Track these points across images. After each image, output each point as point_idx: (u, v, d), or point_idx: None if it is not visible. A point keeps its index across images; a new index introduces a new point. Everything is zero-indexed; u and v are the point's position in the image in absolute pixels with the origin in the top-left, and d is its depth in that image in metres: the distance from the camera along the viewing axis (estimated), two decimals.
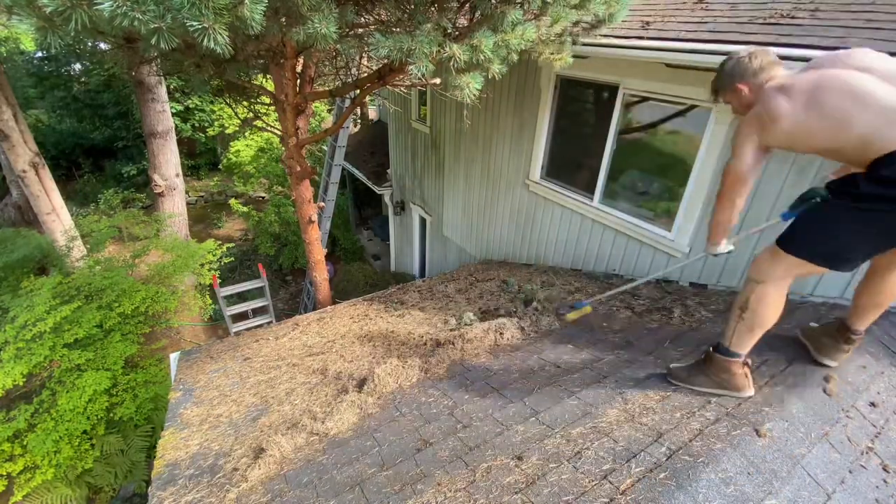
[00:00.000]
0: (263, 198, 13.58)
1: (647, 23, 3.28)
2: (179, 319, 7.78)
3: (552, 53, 2.70)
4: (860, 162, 1.55)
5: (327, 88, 3.93)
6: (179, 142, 10.18)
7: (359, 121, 12.85)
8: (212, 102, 13.84)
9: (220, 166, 13.95)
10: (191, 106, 13.78)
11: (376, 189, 9.19)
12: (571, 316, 3.10)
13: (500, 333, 3.03)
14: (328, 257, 4.53)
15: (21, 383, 4.28)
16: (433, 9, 2.19)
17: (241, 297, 6.55)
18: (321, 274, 4.33)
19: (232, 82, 3.32)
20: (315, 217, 3.92)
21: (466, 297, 4.15)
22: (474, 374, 2.59)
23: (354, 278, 9.52)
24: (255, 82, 3.50)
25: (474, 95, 2.13)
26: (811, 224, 1.78)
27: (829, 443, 1.68)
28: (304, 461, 2.11)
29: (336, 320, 3.97)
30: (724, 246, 2.02)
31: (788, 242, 1.80)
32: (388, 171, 9.08)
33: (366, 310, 4.16)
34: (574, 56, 2.80)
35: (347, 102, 6.46)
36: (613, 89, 3.70)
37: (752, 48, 1.86)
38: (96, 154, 13.91)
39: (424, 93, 6.91)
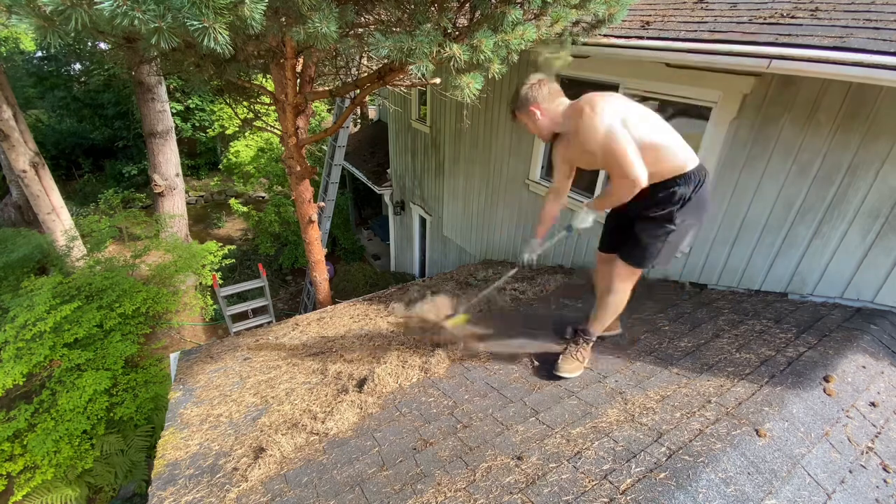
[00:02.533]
0: (263, 198, 13.58)
1: (647, 23, 3.28)
2: (180, 319, 7.78)
3: (552, 53, 2.70)
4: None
5: (327, 88, 3.92)
6: (179, 142, 10.19)
7: (359, 120, 12.86)
8: (212, 102, 13.84)
9: (220, 166, 13.94)
10: (191, 106, 13.78)
11: (376, 189, 9.19)
12: (452, 322, 2.99)
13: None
14: (328, 257, 4.53)
15: (21, 383, 4.29)
16: (433, 8, 2.18)
17: (241, 297, 6.56)
18: (321, 274, 4.33)
19: (232, 82, 3.32)
20: (315, 217, 3.92)
21: (466, 296, 4.14)
22: (474, 374, 2.59)
23: (354, 278, 9.52)
24: (255, 82, 3.50)
25: (474, 95, 2.13)
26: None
27: (829, 443, 1.68)
28: (304, 461, 2.11)
29: (336, 320, 3.96)
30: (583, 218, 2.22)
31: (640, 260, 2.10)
32: (388, 170, 9.08)
33: (366, 310, 4.16)
34: (574, 56, 2.80)
35: (347, 102, 6.46)
36: (614, 89, 3.70)
37: (540, 76, 2.04)
38: (96, 154, 13.90)
39: (424, 93, 6.91)
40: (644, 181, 1.81)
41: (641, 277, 2.20)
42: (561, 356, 2.34)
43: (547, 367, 2.41)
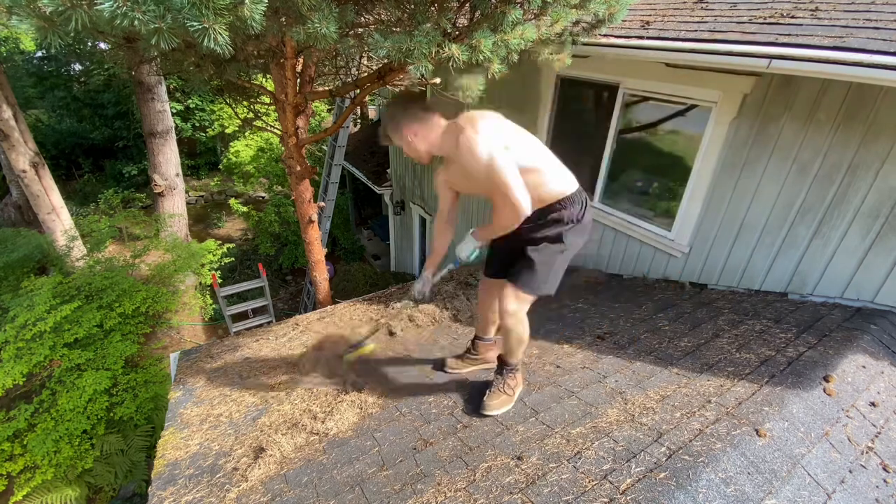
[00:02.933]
0: (263, 198, 13.59)
1: (647, 22, 3.28)
2: (180, 319, 7.78)
3: (552, 53, 2.70)
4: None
5: (327, 88, 3.92)
6: (179, 141, 10.18)
7: (359, 120, 12.87)
8: (212, 102, 13.84)
9: (220, 166, 13.95)
10: (191, 105, 13.78)
11: (376, 189, 9.19)
12: (351, 357, 2.79)
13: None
14: (328, 257, 4.53)
15: (21, 383, 4.29)
16: (433, 8, 2.18)
17: (241, 296, 6.56)
18: (321, 274, 4.33)
19: (232, 82, 3.32)
20: (315, 217, 3.92)
21: (466, 296, 4.15)
22: (474, 374, 2.59)
23: (354, 278, 9.52)
24: (255, 82, 3.50)
25: (474, 95, 2.13)
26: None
27: (829, 442, 1.68)
28: (304, 461, 2.11)
29: (336, 320, 3.96)
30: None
31: (531, 287, 1.97)
32: (388, 170, 9.08)
33: (366, 309, 4.16)
34: (574, 56, 2.80)
35: (347, 102, 6.46)
36: (613, 89, 3.70)
37: (411, 96, 1.98)
38: (96, 154, 13.90)
39: (424, 92, 6.90)
40: (528, 208, 1.74)
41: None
42: (488, 392, 2.19)
43: (472, 405, 2.25)
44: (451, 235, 2.24)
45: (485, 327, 2.49)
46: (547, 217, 1.90)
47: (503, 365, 2.21)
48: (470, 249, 2.07)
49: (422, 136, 1.89)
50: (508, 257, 2.05)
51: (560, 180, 1.88)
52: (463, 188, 2.08)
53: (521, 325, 2.02)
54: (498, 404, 2.14)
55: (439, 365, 2.63)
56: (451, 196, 2.13)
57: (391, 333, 3.27)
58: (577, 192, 1.90)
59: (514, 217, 1.76)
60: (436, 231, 2.24)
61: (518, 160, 1.75)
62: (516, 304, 1.97)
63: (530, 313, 2.03)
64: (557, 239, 1.90)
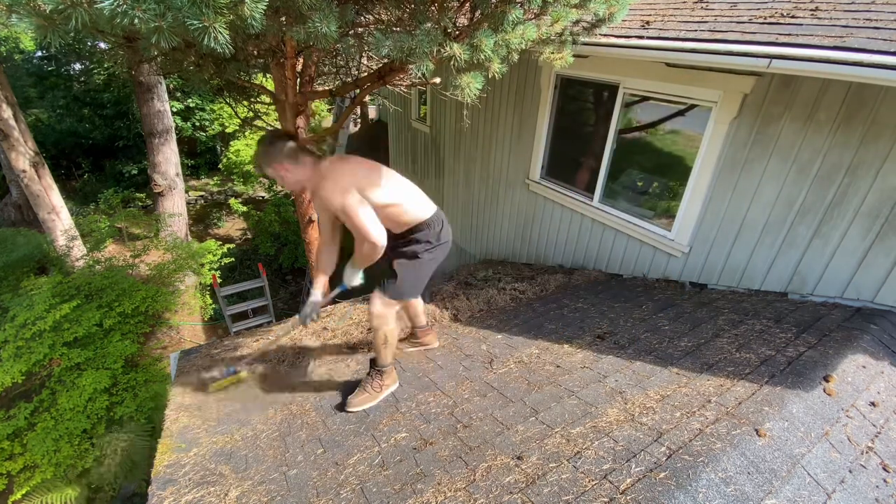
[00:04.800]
0: (263, 197, 13.58)
1: (648, 22, 3.28)
2: (179, 319, 7.78)
3: (552, 53, 2.70)
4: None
5: (327, 88, 3.92)
6: (179, 141, 10.18)
7: (359, 120, 12.86)
8: (212, 102, 13.84)
9: (220, 166, 13.94)
10: (191, 105, 13.77)
11: None
12: (216, 386, 2.81)
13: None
14: None
15: (20, 381, 4.29)
16: (433, 8, 2.18)
17: (241, 296, 6.56)
18: None
19: (232, 81, 3.32)
20: (315, 217, 3.92)
21: (466, 296, 4.15)
22: (475, 373, 2.59)
23: None
24: (255, 82, 3.50)
25: (474, 95, 2.13)
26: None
27: (829, 442, 1.68)
28: (304, 459, 2.11)
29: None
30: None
31: (396, 292, 2.27)
32: None
33: (365, 309, 4.16)
34: (574, 55, 2.80)
35: (347, 102, 6.46)
36: (613, 89, 3.70)
37: (279, 134, 2.21)
38: (96, 153, 13.88)
39: (424, 92, 6.90)
40: (382, 241, 2.00)
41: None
42: (352, 396, 2.39)
43: (342, 401, 2.44)
44: (335, 256, 2.46)
45: (413, 319, 2.88)
46: (407, 237, 2.22)
47: (372, 365, 2.44)
48: (354, 276, 2.27)
49: (292, 172, 2.10)
50: (378, 270, 2.32)
51: (417, 208, 2.19)
52: (321, 218, 2.36)
53: (386, 326, 2.28)
54: (360, 401, 2.38)
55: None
56: (326, 221, 2.35)
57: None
58: (432, 217, 2.22)
59: (373, 250, 2.04)
60: (321, 254, 2.45)
61: (375, 199, 2.04)
62: (382, 308, 2.26)
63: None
64: (415, 255, 2.21)
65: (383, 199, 2.07)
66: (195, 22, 1.33)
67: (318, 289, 2.42)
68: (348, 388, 2.56)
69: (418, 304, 2.79)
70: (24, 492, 4.19)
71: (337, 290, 2.36)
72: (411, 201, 2.18)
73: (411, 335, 3.00)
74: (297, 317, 2.41)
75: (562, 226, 4.60)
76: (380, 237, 1.99)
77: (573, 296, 3.73)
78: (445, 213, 2.48)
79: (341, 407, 2.42)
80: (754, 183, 2.97)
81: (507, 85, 4.84)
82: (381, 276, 2.29)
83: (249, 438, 2.40)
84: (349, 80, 4.05)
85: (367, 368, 2.55)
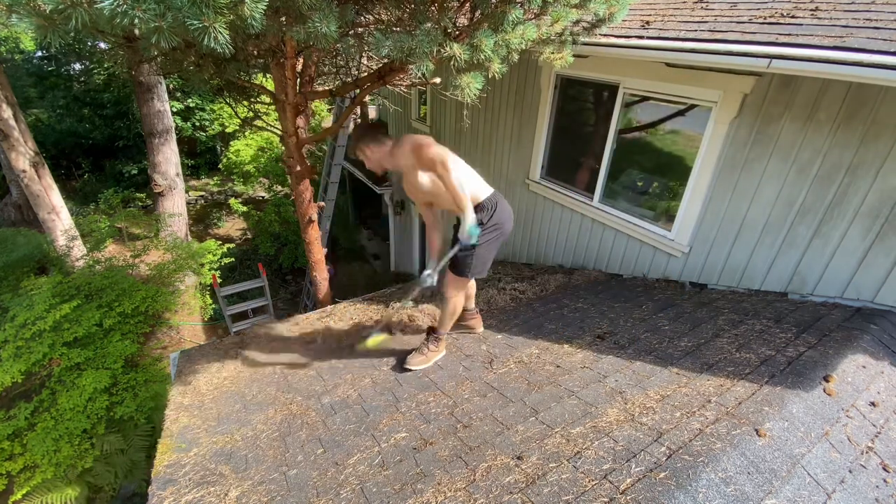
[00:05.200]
0: (263, 197, 13.59)
1: (648, 22, 3.28)
2: (179, 319, 7.78)
3: (552, 53, 2.70)
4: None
5: (327, 88, 3.92)
6: (179, 141, 10.18)
7: (359, 120, 12.83)
8: (212, 102, 13.84)
9: (220, 165, 13.95)
10: (191, 105, 13.77)
11: (376, 189, 9.19)
12: (367, 345, 3.07)
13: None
14: (328, 257, 4.53)
15: (20, 381, 4.28)
16: (433, 8, 2.18)
17: (241, 296, 6.56)
18: (321, 274, 4.32)
19: (232, 81, 3.32)
20: (315, 217, 3.92)
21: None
22: (475, 373, 2.59)
23: (354, 278, 9.52)
24: (255, 82, 3.50)
25: (474, 95, 2.13)
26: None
27: (829, 442, 1.68)
28: (304, 459, 2.11)
29: (336, 319, 3.96)
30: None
31: (465, 271, 2.59)
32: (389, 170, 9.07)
33: (365, 309, 4.16)
34: (574, 55, 2.80)
35: (347, 102, 6.46)
36: (613, 89, 3.70)
37: (365, 124, 2.58)
38: (96, 153, 13.89)
39: (424, 92, 6.90)
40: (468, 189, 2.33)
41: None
42: (412, 353, 2.80)
43: (399, 363, 2.83)
44: (441, 233, 2.82)
45: (465, 301, 3.05)
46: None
47: (432, 332, 2.85)
48: (468, 233, 2.34)
49: (375, 152, 2.50)
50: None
51: (476, 188, 2.45)
52: (419, 197, 2.67)
53: (456, 299, 2.70)
54: (417, 362, 2.76)
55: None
56: (426, 208, 2.76)
57: (391, 333, 3.35)
58: (486, 199, 2.45)
59: (451, 176, 2.26)
60: (429, 236, 2.87)
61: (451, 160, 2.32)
62: (453, 283, 2.65)
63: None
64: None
65: (452, 162, 2.32)
66: (195, 22, 1.33)
67: (434, 259, 2.73)
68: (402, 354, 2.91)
69: (471, 287, 3.03)
70: (24, 492, 4.19)
71: (455, 249, 2.51)
72: (472, 179, 2.46)
73: (459, 317, 3.05)
74: (417, 281, 2.72)
75: (562, 226, 4.60)
76: (454, 167, 2.30)
77: (573, 296, 3.73)
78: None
79: (400, 367, 2.80)
80: (754, 183, 2.97)
81: (507, 85, 4.84)
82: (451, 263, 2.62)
83: (249, 438, 2.41)
84: (349, 80, 4.05)
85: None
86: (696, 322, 2.78)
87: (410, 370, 2.73)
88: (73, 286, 5.32)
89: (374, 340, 3.07)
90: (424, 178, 2.46)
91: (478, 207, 2.41)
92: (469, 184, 2.40)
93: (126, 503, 4.97)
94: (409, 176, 2.51)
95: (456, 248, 2.50)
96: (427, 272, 2.59)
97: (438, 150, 2.27)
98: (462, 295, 2.77)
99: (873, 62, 2.01)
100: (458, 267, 2.59)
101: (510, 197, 5.26)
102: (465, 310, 3.08)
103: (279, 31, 1.81)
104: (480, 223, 2.41)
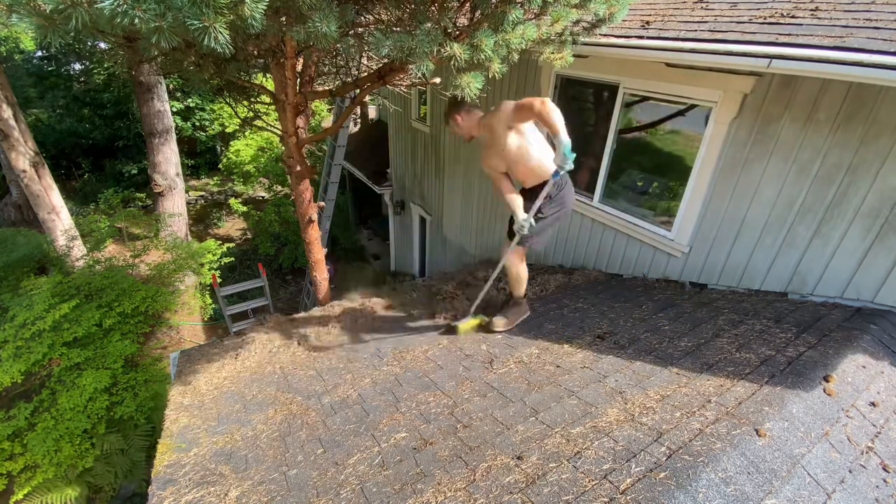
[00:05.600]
0: (263, 197, 13.59)
1: (648, 22, 3.28)
2: (179, 319, 7.78)
3: (552, 53, 2.70)
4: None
5: (327, 88, 3.92)
6: (179, 141, 10.18)
7: (359, 120, 12.85)
8: (212, 101, 13.84)
9: (220, 165, 13.95)
10: (191, 105, 13.77)
11: (376, 189, 9.20)
12: (466, 326, 3.22)
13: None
14: (328, 257, 4.53)
15: (20, 381, 4.29)
16: (433, 8, 2.18)
17: (241, 296, 6.55)
18: (321, 273, 4.33)
19: (232, 81, 3.32)
20: (315, 216, 3.92)
21: (466, 296, 4.14)
22: (475, 373, 2.59)
23: (354, 278, 9.53)
24: (255, 82, 3.50)
25: (475, 95, 2.13)
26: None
27: (829, 442, 1.68)
28: (304, 459, 2.11)
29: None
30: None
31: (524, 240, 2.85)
32: (388, 170, 9.08)
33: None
34: (574, 55, 2.80)
35: (347, 102, 6.46)
36: (613, 89, 3.70)
37: (456, 97, 2.59)
38: (96, 153, 13.89)
39: (424, 92, 6.90)
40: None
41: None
42: (496, 317, 3.14)
43: (486, 326, 3.19)
44: (516, 193, 2.88)
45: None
46: (536, 192, 2.72)
47: (510, 298, 3.22)
48: (566, 150, 2.41)
49: (466, 120, 2.85)
50: (510, 224, 2.97)
51: (547, 160, 2.69)
52: (495, 165, 2.86)
53: (516, 267, 3.01)
54: (502, 325, 3.13)
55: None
56: (501, 175, 2.91)
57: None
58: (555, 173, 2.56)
59: (544, 105, 2.43)
60: (509, 197, 2.88)
61: (526, 128, 2.69)
62: (513, 253, 2.93)
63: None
64: (539, 210, 2.71)
65: (530, 130, 2.71)
66: (195, 22, 1.33)
67: (524, 212, 2.78)
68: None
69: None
70: (25, 492, 4.19)
71: (553, 179, 2.60)
72: (544, 151, 2.71)
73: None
74: (517, 228, 2.78)
75: (562, 226, 4.60)
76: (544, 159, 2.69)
77: (573, 296, 3.73)
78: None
79: (487, 329, 3.16)
80: (754, 183, 2.97)
81: (508, 85, 4.84)
82: (511, 229, 2.92)
83: (249, 438, 2.41)
84: (349, 80, 4.05)
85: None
86: (696, 322, 2.78)
87: (496, 331, 3.12)
88: (73, 286, 5.32)
89: (467, 325, 3.24)
90: (513, 141, 2.67)
91: (547, 182, 2.62)
92: (547, 158, 2.68)
93: (126, 503, 4.97)
94: (499, 140, 2.70)
95: (553, 179, 2.59)
96: (523, 217, 2.71)
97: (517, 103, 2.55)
98: (523, 264, 3.07)
99: (873, 62, 2.01)
100: (515, 234, 2.87)
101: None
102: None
103: (279, 31, 1.81)
104: (549, 196, 2.67)
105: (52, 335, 4.56)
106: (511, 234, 2.90)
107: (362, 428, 2.27)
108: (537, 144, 2.70)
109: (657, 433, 1.75)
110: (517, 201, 2.81)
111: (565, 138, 2.38)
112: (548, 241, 2.89)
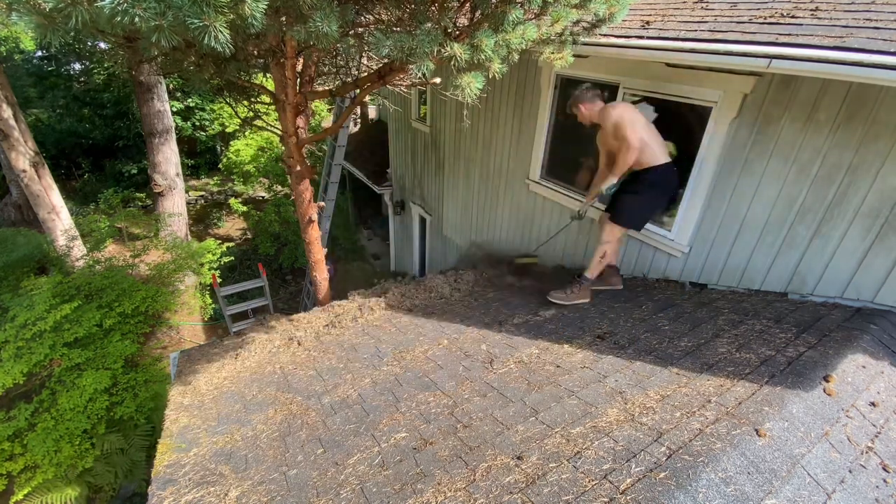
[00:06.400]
0: (263, 197, 13.59)
1: (648, 22, 3.28)
2: (179, 319, 7.78)
3: (552, 53, 2.70)
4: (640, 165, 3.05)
5: (327, 88, 3.92)
6: (179, 141, 10.18)
7: (359, 120, 12.85)
8: (212, 101, 13.83)
9: (220, 165, 13.95)
10: (191, 105, 13.77)
11: (376, 189, 9.20)
12: (520, 260, 4.10)
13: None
14: (328, 257, 4.54)
15: (21, 382, 4.28)
16: (434, 8, 2.18)
17: (241, 296, 6.55)
18: (321, 273, 4.32)
19: (232, 81, 3.32)
20: (315, 216, 3.92)
21: (466, 299, 4.14)
22: (475, 373, 2.59)
23: (354, 278, 9.52)
24: (255, 81, 3.50)
25: (475, 95, 2.13)
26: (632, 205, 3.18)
27: (829, 442, 1.68)
28: (304, 459, 2.11)
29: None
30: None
31: (618, 219, 3.21)
32: (388, 170, 9.08)
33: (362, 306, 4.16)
34: (574, 55, 2.80)
35: (347, 102, 6.46)
36: (613, 88, 3.70)
37: (585, 86, 3.23)
38: (96, 153, 13.89)
39: (424, 92, 6.90)
40: (637, 150, 2.93)
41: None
42: (555, 291, 3.39)
43: (543, 297, 3.47)
44: (606, 179, 3.18)
45: (610, 257, 3.47)
46: (640, 176, 3.07)
47: (580, 275, 3.36)
48: (611, 184, 3.09)
49: (587, 109, 3.18)
50: (612, 200, 3.30)
51: (654, 155, 2.99)
52: (607, 146, 3.20)
53: (607, 245, 3.24)
54: (557, 297, 3.35)
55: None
56: (605, 155, 3.27)
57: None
58: (663, 165, 3.00)
59: (629, 154, 2.92)
60: (599, 175, 3.36)
61: (637, 129, 2.95)
62: (609, 230, 3.21)
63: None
64: (637, 192, 3.09)
65: (640, 132, 2.95)
66: (196, 21, 1.33)
67: (589, 198, 3.42)
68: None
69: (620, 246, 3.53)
70: (25, 492, 4.19)
71: (600, 194, 3.23)
72: (654, 146, 2.98)
73: (600, 275, 3.46)
74: (576, 211, 3.51)
75: (561, 225, 4.60)
76: (635, 142, 2.89)
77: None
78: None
79: (542, 297, 3.46)
80: (754, 183, 2.97)
81: (508, 85, 4.84)
82: (613, 205, 3.22)
83: (249, 438, 2.41)
84: (349, 80, 4.05)
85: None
86: (696, 322, 2.78)
87: (551, 300, 3.38)
88: (74, 286, 5.32)
89: (525, 259, 4.02)
90: (610, 138, 3.07)
91: (654, 169, 2.98)
92: (649, 148, 2.98)
93: (126, 503, 4.97)
94: (605, 134, 3.12)
95: (600, 193, 3.21)
96: (580, 207, 3.39)
97: (624, 125, 2.93)
98: (614, 243, 3.24)
99: (873, 62, 2.01)
100: (616, 210, 3.19)
101: (510, 196, 5.26)
102: (608, 266, 3.48)
103: (279, 30, 1.81)
104: (653, 182, 3.03)
105: (53, 336, 4.56)
106: (610, 207, 3.29)
107: (362, 428, 2.27)
108: (646, 138, 2.99)
109: (657, 433, 1.75)
110: (599, 184, 3.27)
111: (615, 178, 3.08)
112: (640, 224, 3.25)
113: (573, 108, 3.19)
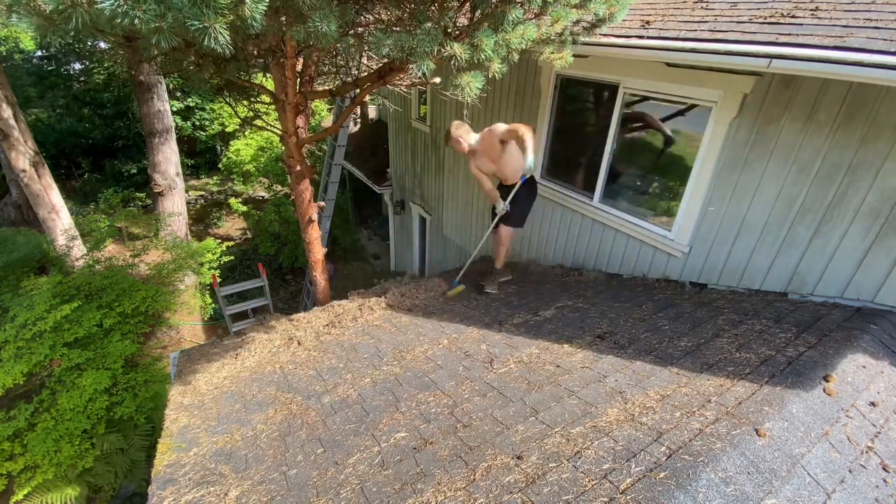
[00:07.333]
0: (263, 197, 13.59)
1: (648, 22, 3.28)
2: (179, 319, 7.78)
3: (552, 53, 2.70)
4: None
5: (327, 88, 3.92)
6: (179, 140, 10.17)
7: (359, 120, 12.85)
8: (212, 101, 13.83)
9: (220, 165, 13.94)
10: (191, 105, 13.76)
11: (376, 189, 9.20)
12: (450, 293, 4.16)
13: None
14: (328, 257, 4.54)
15: (21, 382, 4.28)
16: (434, 7, 2.18)
17: (241, 296, 6.55)
18: (321, 274, 4.32)
19: (232, 81, 3.32)
20: (315, 216, 3.92)
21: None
22: (475, 373, 2.59)
23: (354, 278, 9.52)
24: (255, 81, 3.50)
25: (475, 95, 2.13)
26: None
27: (828, 442, 1.69)
28: (304, 459, 2.11)
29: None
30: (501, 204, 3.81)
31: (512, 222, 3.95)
32: (388, 170, 9.08)
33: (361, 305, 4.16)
34: (574, 55, 2.80)
35: (347, 102, 6.46)
36: (613, 88, 3.70)
37: (455, 123, 3.78)
38: (96, 153, 13.88)
39: (424, 92, 6.90)
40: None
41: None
42: (487, 282, 4.11)
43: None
44: (494, 188, 3.87)
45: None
46: (510, 189, 3.74)
47: (493, 268, 4.26)
48: (530, 161, 3.38)
49: (465, 140, 3.73)
50: (492, 210, 3.94)
51: (520, 170, 3.66)
52: (484, 167, 3.79)
53: (506, 245, 4.12)
54: (490, 288, 4.05)
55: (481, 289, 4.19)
56: (485, 175, 3.82)
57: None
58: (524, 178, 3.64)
59: (527, 131, 3.35)
60: (487, 188, 3.84)
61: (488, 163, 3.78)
62: (505, 231, 3.99)
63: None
64: (514, 202, 3.76)
65: (513, 146, 3.64)
66: (195, 22, 1.33)
67: (501, 199, 3.80)
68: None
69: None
70: (25, 492, 4.19)
71: (521, 181, 3.66)
72: (518, 160, 3.63)
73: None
74: (497, 211, 3.83)
75: (562, 226, 4.60)
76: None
77: (573, 295, 3.73)
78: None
79: (480, 291, 4.09)
80: (754, 183, 2.97)
81: (507, 85, 4.84)
82: (505, 215, 3.83)
83: (249, 438, 2.41)
84: (349, 79, 4.05)
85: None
86: (696, 322, 2.78)
87: (489, 293, 4.02)
88: (74, 286, 5.32)
89: (455, 291, 4.13)
90: (507, 150, 3.64)
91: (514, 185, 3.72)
92: (519, 165, 3.64)
93: (126, 503, 4.97)
94: (495, 149, 3.64)
95: (521, 181, 3.65)
96: (502, 204, 3.74)
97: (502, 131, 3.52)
98: (510, 240, 4.09)
99: (873, 62, 2.01)
100: (509, 220, 3.87)
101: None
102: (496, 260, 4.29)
103: (279, 30, 1.81)
104: (517, 193, 3.68)
105: (54, 336, 4.56)
106: (493, 217, 3.94)
107: (362, 428, 2.27)
108: (516, 155, 3.64)
109: (657, 433, 1.76)
110: (497, 193, 3.83)
111: (531, 156, 3.34)
112: (523, 223, 3.97)
113: (447, 141, 3.83)
